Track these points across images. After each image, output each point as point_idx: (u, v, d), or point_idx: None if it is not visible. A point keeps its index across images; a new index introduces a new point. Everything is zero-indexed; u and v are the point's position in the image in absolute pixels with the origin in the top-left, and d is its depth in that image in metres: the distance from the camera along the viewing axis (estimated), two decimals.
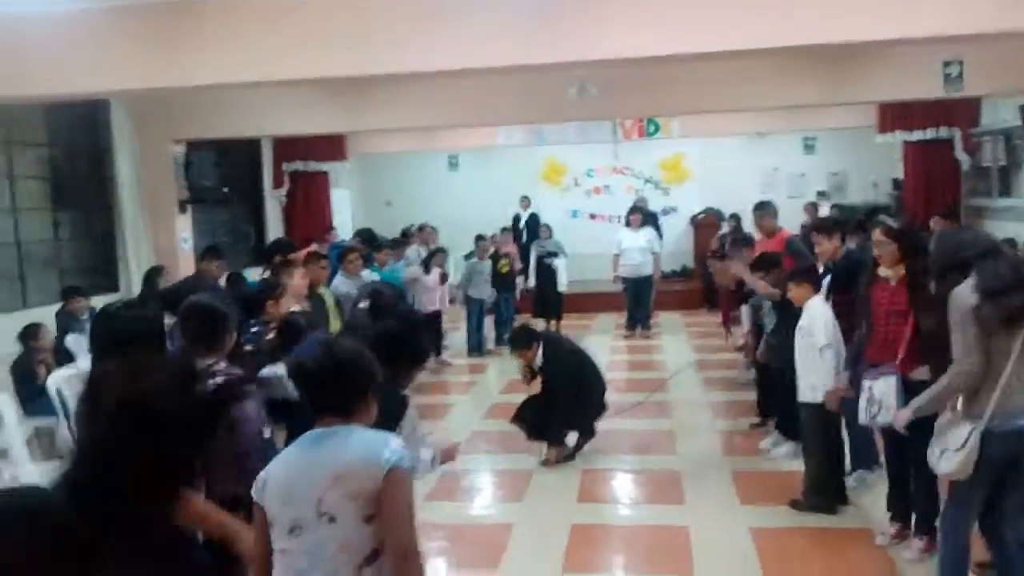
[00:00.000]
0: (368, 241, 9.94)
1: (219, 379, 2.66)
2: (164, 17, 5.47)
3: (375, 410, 2.25)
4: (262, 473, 2.19)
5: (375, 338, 2.91)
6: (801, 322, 4.96)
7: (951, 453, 3.36)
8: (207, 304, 3.20)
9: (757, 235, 7.19)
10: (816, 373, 4.79)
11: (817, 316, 4.83)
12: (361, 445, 2.11)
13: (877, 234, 4.23)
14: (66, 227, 8.34)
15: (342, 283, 7.18)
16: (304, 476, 2.10)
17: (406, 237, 10.97)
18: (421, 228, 11.32)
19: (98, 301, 7.92)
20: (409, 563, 2.05)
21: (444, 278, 9.86)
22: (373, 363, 2.26)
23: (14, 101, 6.63)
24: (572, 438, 6.20)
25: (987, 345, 3.30)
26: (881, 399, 4.16)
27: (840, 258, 5.28)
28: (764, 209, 7.17)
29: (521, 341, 6.27)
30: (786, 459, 5.77)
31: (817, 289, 4.97)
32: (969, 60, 7.46)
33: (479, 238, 10.76)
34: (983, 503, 3.43)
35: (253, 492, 2.16)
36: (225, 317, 3.14)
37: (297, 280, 5.60)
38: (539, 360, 6.12)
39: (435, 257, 9.94)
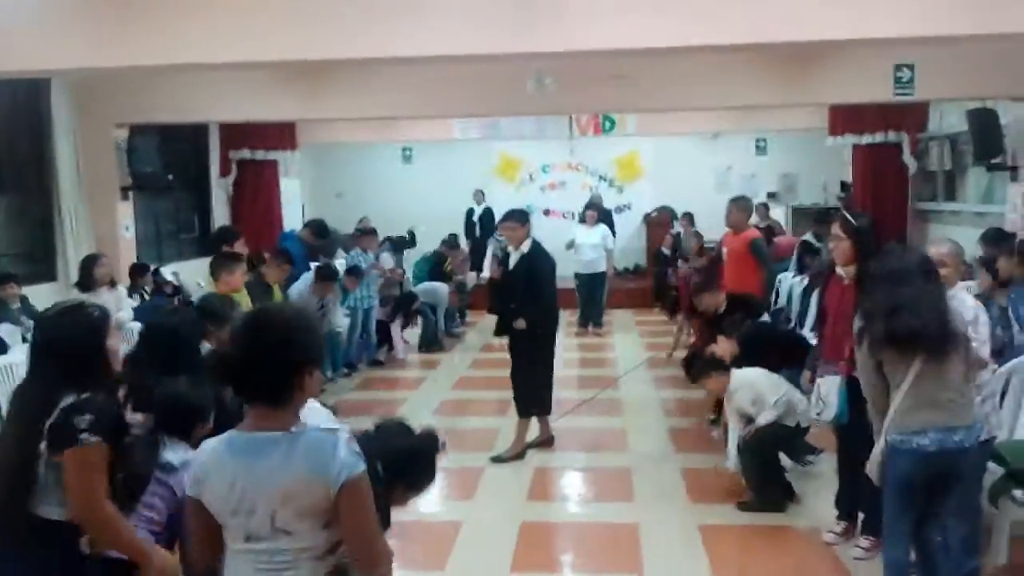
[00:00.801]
0: (319, 233, 9.73)
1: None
2: None
3: (315, 385, 2.05)
4: (194, 466, 2.04)
5: None
6: (743, 402, 5.02)
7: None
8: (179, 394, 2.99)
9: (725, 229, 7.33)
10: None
11: (754, 382, 4.98)
12: (308, 458, 1.93)
13: (835, 228, 4.23)
14: (1, 212, 8.01)
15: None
16: (250, 490, 1.94)
17: (362, 232, 10.74)
18: (362, 232, 10.73)
19: (34, 290, 7.65)
20: (381, 570, 2.00)
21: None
22: (303, 333, 2.03)
23: None
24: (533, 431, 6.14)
25: (876, 364, 3.36)
26: (825, 396, 4.21)
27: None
28: (738, 203, 7.27)
29: (518, 216, 6.07)
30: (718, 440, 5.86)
31: (727, 368, 5.10)
32: (920, 64, 7.56)
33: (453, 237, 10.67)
34: (914, 511, 3.43)
35: (188, 487, 2.05)
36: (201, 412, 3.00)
37: (236, 276, 5.47)
38: (526, 247, 5.96)
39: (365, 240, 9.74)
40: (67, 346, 2.51)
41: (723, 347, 5.34)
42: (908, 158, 10.56)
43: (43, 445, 2.42)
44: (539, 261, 6.00)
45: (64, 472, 2.41)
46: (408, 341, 10.11)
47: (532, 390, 6.09)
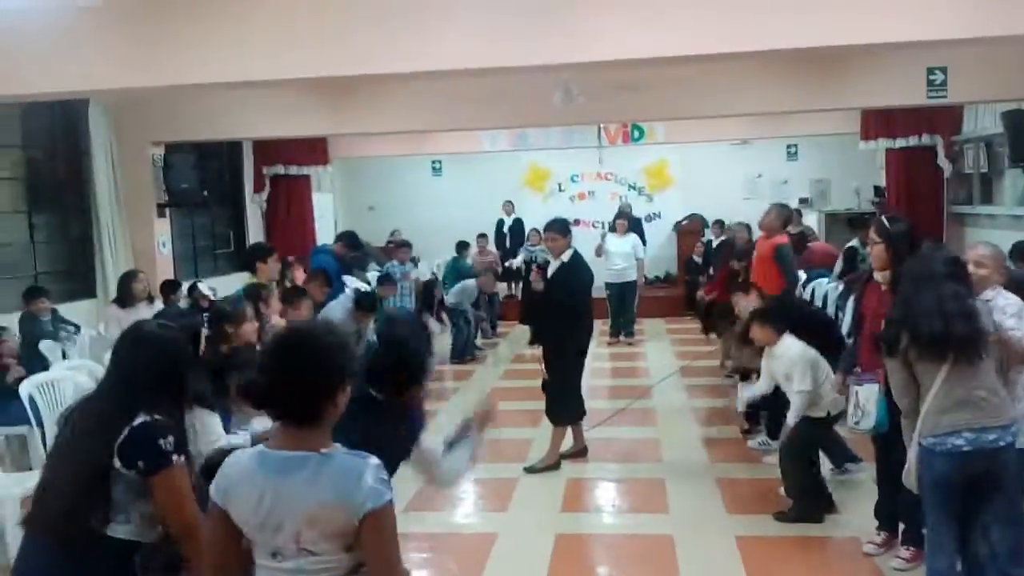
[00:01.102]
0: (352, 245, 9.80)
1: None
2: (144, 15, 5.37)
3: (343, 404, 2.02)
4: (220, 476, 2.03)
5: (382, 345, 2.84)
6: (780, 369, 4.96)
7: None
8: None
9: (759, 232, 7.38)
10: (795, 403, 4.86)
11: (794, 363, 4.86)
12: (334, 483, 1.92)
13: (871, 232, 4.19)
14: (42, 230, 8.20)
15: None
16: (276, 508, 1.95)
17: (392, 244, 10.87)
18: (395, 244, 11.07)
19: (73, 306, 7.81)
20: None
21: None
22: (337, 352, 2.02)
23: None
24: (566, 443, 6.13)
25: (906, 369, 3.35)
26: (864, 405, 4.15)
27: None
28: (780, 208, 7.37)
29: (560, 225, 6.03)
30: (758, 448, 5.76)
31: (783, 329, 4.93)
32: (952, 67, 7.47)
33: (462, 245, 10.75)
34: (956, 519, 3.38)
35: (213, 494, 2.03)
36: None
37: (270, 265, 5.60)
38: (566, 256, 5.94)
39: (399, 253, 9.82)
40: (149, 368, 2.57)
41: (761, 334, 5.18)
42: (943, 161, 10.42)
43: (117, 463, 2.45)
44: (579, 272, 6.01)
45: (158, 493, 2.47)
46: (444, 323, 10.13)
47: (565, 399, 6.08)
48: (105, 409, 2.55)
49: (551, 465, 6.01)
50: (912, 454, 3.35)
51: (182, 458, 2.50)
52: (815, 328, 5.48)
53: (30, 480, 4.32)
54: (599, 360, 10.13)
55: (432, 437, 2.92)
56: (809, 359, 4.89)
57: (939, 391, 3.25)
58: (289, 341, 2.07)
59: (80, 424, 2.57)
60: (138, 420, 2.47)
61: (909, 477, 3.39)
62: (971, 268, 3.61)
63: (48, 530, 2.49)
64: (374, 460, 1.98)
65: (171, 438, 2.48)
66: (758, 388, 5.23)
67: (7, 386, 5.67)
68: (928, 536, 3.43)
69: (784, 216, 7.45)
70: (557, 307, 5.93)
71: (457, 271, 11.23)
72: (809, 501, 4.89)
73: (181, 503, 2.48)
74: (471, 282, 10.60)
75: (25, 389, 5.24)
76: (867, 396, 4.13)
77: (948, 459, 3.26)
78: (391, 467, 2.66)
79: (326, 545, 1.95)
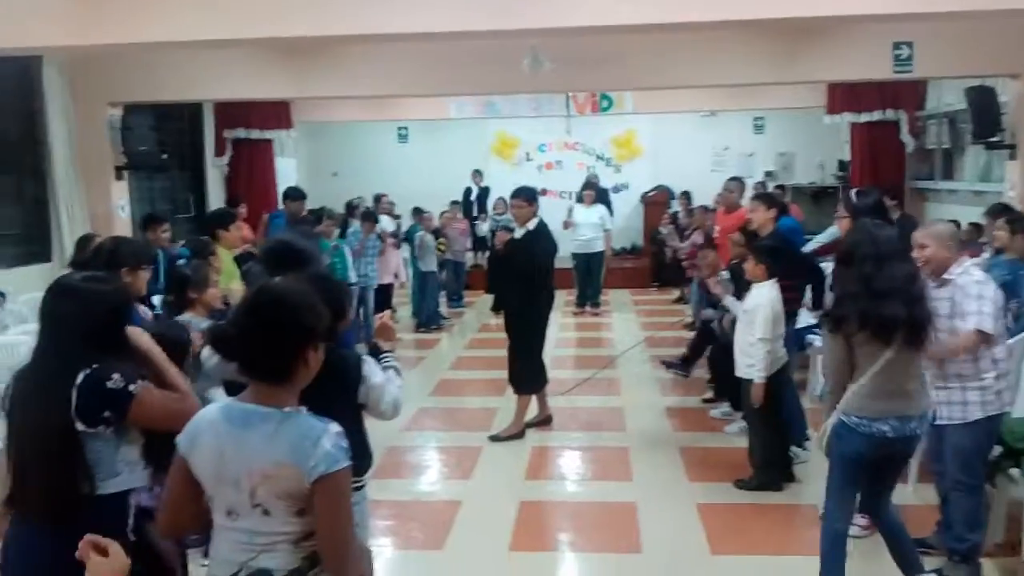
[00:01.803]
0: (294, 196, 9.48)
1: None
2: None
3: (317, 364, 2.01)
4: (189, 426, 2.02)
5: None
6: (746, 304, 4.96)
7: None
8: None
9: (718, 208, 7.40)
10: (752, 355, 4.81)
11: (762, 305, 4.80)
12: (290, 443, 1.91)
13: (839, 206, 4.21)
14: None
15: None
16: (233, 462, 1.94)
17: (351, 210, 10.72)
18: (378, 199, 11.13)
19: (28, 271, 7.61)
20: (348, 570, 1.97)
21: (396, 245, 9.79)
22: (309, 313, 2.00)
23: None
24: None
25: (846, 346, 3.31)
26: (825, 372, 4.21)
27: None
28: (735, 183, 7.46)
29: (526, 193, 6.02)
30: (738, 436, 5.80)
31: (774, 274, 4.91)
32: (919, 42, 7.51)
33: (417, 210, 10.73)
34: (860, 489, 3.48)
35: (179, 442, 2.01)
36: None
37: (233, 233, 5.50)
38: (532, 224, 5.92)
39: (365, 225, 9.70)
40: (77, 322, 2.43)
41: (753, 270, 5.13)
42: (906, 136, 10.53)
43: (81, 427, 2.36)
44: (542, 241, 5.98)
45: (139, 422, 2.41)
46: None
47: (527, 368, 6.09)
48: (45, 374, 2.44)
49: (515, 434, 6.04)
50: (829, 423, 3.39)
51: (140, 381, 2.40)
52: (799, 262, 5.50)
53: None
54: (565, 330, 10.17)
55: (374, 370, 2.87)
56: (776, 310, 4.81)
57: (876, 375, 3.25)
58: (262, 298, 2.05)
59: (26, 395, 2.46)
60: (79, 378, 2.37)
61: (823, 441, 3.44)
62: (914, 253, 3.58)
63: (35, 509, 2.40)
64: (335, 427, 1.97)
65: (116, 375, 2.37)
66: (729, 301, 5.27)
67: None
68: (830, 498, 3.48)
69: (739, 188, 7.65)
70: (519, 274, 5.91)
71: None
72: (771, 470, 4.96)
73: (164, 413, 2.41)
74: (423, 234, 10.43)
75: None
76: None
77: (867, 440, 3.31)
78: (350, 412, 2.66)
79: (278, 504, 1.93)
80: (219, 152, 11.31)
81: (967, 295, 3.56)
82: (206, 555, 2.13)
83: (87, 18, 5.26)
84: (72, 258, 7.12)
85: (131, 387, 2.39)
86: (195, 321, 3.73)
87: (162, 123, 10.09)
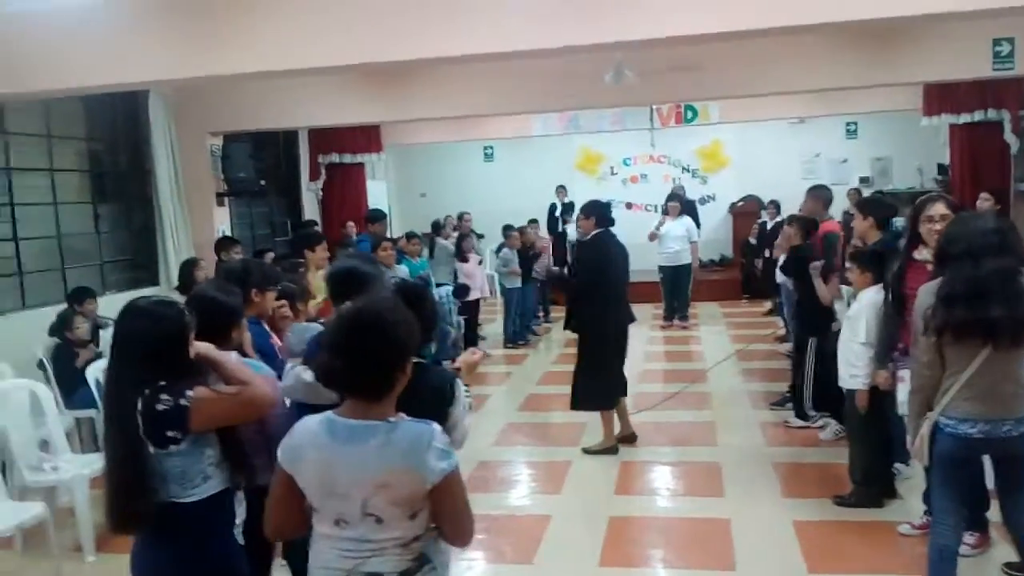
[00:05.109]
0: (373, 218, 9.68)
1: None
2: (200, 7, 5.47)
3: (408, 377, 2.08)
4: (288, 440, 2.08)
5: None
6: (850, 311, 4.82)
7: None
8: (212, 296, 3.03)
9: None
10: (856, 363, 4.66)
11: (864, 310, 4.66)
12: (404, 450, 1.98)
13: (940, 206, 4.03)
14: (106, 220, 8.43)
15: None
16: (345, 475, 2.00)
17: (437, 230, 10.91)
18: (461, 217, 11.30)
19: (137, 294, 8.01)
20: (470, 540, 2.16)
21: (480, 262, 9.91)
22: (405, 328, 2.06)
23: (53, 94, 6.68)
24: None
25: (939, 348, 3.20)
26: None
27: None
28: (814, 192, 7.01)
29: (587, 207, 6.01)
30: (833, 444, 5.61)
31: (878, 280, 4.76)
32: (1020, 38, 7.18)
33: (507, 228, 10.78)
34: (962, 496, 3.37)
35: (280, 457, 2.08)
36: (232, 311, 3.01)
37: (319, 252, 5.68)
38: (592, 232, 5.86)
39: (464, 242, 9.87)
40: (149, 340, 2.50)
41: (860, 278, 4.97)
42: (1009, 136, 10.04)
43: (153, 449, 2.44)
44: (598, 250, 5.83)
45: (206, 425, 2.47)
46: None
47: (588, 384, 5.97)
48: (116, 401, 2.51)
49: (608, 448, 5.99)
50: (925, 428, 3.27)
51: (190, 391, 2.44)
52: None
53: (98, 462, 4.48)
54: (653, 344, 10.07)
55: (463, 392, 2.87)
56: (879, 314, 4.59)
57: (968, 380, 3.14)
58: (357, 321, 2.07)
59: (107, 421, 2.56)
60: (139, 404, 2.43)
61: (920, 449, 3.31)
62: None
63: (133, 525, 2.51)
64: (437, 426, 2.05)
65: (164, 395, 2.42)
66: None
67: (76, 370, 5.87)
68: (935, 511, 3.37)
69: (822, 198, 7.03)
70: (578, 287, 5.87)
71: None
72: (870, 486, 4.79)
73: (226, 410, 2.50)
74: (505, 251, 10.40)
75: (91, 373, 5.42)
76: None
77: (955, 441, 3.21)
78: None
79: (393, 511, 2.00)
80: (313, 176, 11.70)
81: None
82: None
83: (188, 53, 5.54)
84: (179, 281, 7.50)
85: (182, 401, 2.43)
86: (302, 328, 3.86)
87: (259, 150, 10.51)
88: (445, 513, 2.05)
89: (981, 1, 4.65)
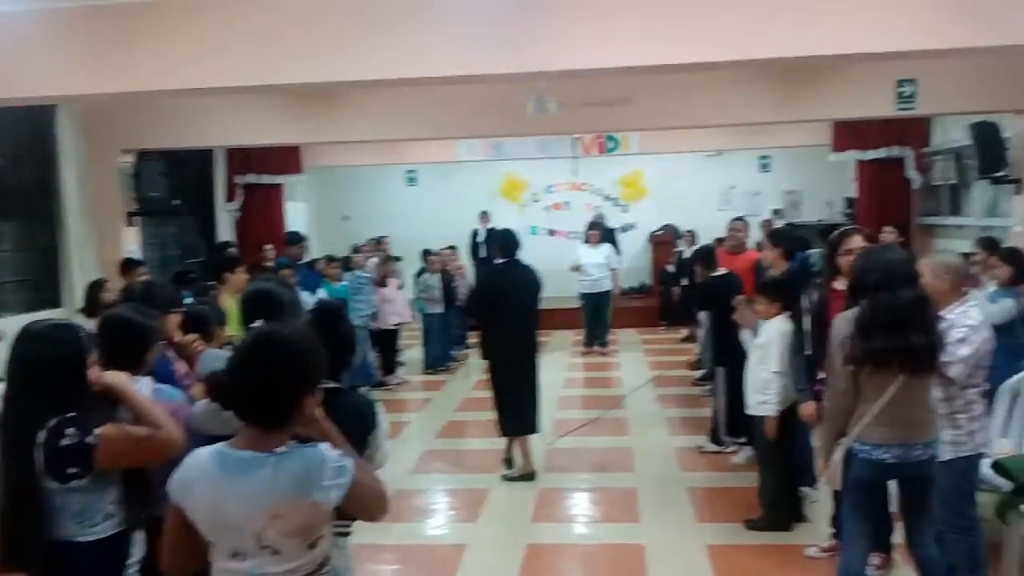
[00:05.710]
0: (291, 241, 9.62)
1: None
2: (114, 21, 5.29)
3: (314, 405, 2.02)
4: (179, 473, 2.00)
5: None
6: (759, 339, 4.93)
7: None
8: (127, 318, 2.91)
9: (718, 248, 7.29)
10: (765, 391, 4.77)
11: (775, 339, 4.78)
12: (296, 479, 1.91)
13: (857, 240, 4.17)
14: (7, 238, 8.04)
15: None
16: (235, 509, 1.92)
17: (357, 253, 10.76)
18: (379, 241, 11.20)
19: (38, 316, 7.65)
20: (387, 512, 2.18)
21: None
22: (311, 357, 1.99)
23: None
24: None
25: (855, 377, 3.27)
26: None
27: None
28: (741, 222, 7.32)
29: (490, 238, 6.06)
30: (746, 467, 5.74)
31: (785, 308, 4.89)
32: (922, 79, 7.56)
33: (426, 252, 10.74)
34: (873, 520, 3.49)
35: (171, 491, 1.99)
36: (147, 333, 2.89)
37: (239, 275, 5.56)
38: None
39: (385, 266, 9.78)
40: (44, 365, 2.41)
41: (765, 308, 4.98)
42: (912, 173, 10.55)
43: (54, 484, 2.34)
44: (481, 281, 5.94)
45: (113, 462, 2.40)
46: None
47: (502, 410, 6.03)
48: (13, 428, 2.40)
49: (526, 475, 5.97)
50: (838, 454, 3.35)
51: (97, 430, 2.36)
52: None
53: None
54: (573, 370, 10.13)
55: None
56: (788, 343, 4.73)
57: (883, 407, 3.21)
58: (261, 345, 2.01)
59: (3, 442, 2.43)
60: (40, 436, 2.34)
61: (833, 474, 3.38)
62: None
63: (23, 561, 2.39)
64: (325, 447, 1.99)
65: (70, 430, 2.33)
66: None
67: None
68: (845, 533, 3.45)
69: (747, 229, 7.46)
70: (470, 317, 5.95)
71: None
72: (779, 510, 4.89)
73: (132, 451, 2.42)
74: (426, 275, 10.31)
75: None
76: None
77: (869, 465, 3.30)
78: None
79: (289, 542, 1.94)
80: (230, 197, 11.43)
81: (951, 336, 3.43)
82: None
83: (100, 68, 5.36)
84: (85, 303, 7.20)
85: (87, 439, 2.35)
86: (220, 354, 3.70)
87: (173, 169, 10.22)
88: (359, 508, 2.07)
89: (886, 43, 4.87)
